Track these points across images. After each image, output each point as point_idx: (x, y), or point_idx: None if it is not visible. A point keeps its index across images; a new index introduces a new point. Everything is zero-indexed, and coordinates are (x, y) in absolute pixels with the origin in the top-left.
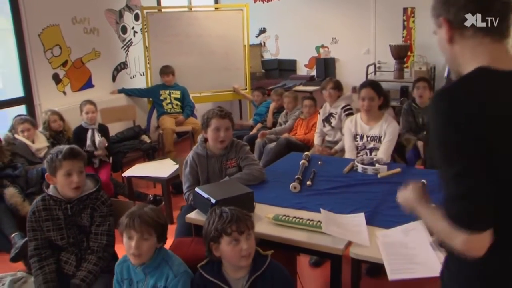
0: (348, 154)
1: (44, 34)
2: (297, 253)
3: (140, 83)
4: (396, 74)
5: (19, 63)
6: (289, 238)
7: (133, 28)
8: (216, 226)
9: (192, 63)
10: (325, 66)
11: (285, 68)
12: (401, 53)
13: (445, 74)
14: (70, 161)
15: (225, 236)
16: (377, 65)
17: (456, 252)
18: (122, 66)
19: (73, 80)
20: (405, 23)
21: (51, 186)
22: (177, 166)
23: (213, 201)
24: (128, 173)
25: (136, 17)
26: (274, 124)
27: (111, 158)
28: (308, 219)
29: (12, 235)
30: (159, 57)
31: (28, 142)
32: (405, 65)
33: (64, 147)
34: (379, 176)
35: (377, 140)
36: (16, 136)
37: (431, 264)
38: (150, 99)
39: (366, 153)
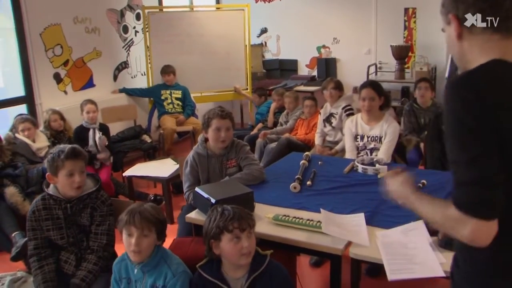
0: (348, 154)
1: (45, 34)
2: (297, 253)
3: (141, 82)
4: (397, 74)
5: (20, 62)
6: (289, 238)
7: (134, 27)
8: (217, 223)
9: (193, 63)
10: (326, 66)
11: (286, 68)
12: (402, 53)
13: (446, 75)
14: (72, 161)
15: (226, 233)
16: (378, 65)
17: (462, 245)
18: (123, 65)
19: (74, 79)
20: (406, 23)
21: (51, 185)
22: (178, 166)
23: (213, 201)
24: (128, 172)
25: (138, 17)
26: (275, 124)
27: (111, 158)
28: (308, 219)
29: (13, 234)
30: (160, 56)
31: (28, 141)
32: (406, 66)
33: (66, 147)
34: (379, 176)
35: (378, 140)
36: (16, 135)
37: (431, 264)
38: (151, 98)
39: (367, 153)
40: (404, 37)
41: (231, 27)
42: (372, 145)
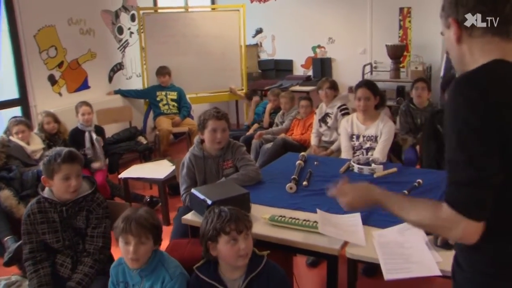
0: (344, 154)
1: (39, 35)
2: (294, 253)
3: (137, 84)
4: (392, 74)
5: (14, 64)
6: (285, 238)
7: (129, 28)
8: (214, 225)
9: (188, 63)
10: (322, 66)
11: (282, 68)
12: (397, 53)
13: (441, 74)
14: (69, 165)
15: (223, 235)
16: (373, 65)
17: (463, 245)
18: (118, 67)
19: (69, 81)
20: (401, 23)
21: (46, 188)
22: (174, 167)
23: (209, 202)
24: (124, 174)
25: (133, 18)
26: (271, 125)
27: (107, 160)
28: (304, 220)
29: (6, 239)
30: (156, 57)
31: (23, 144)
32: (401, 65)
33: (62, 150)
34: (375, 176)
35: (373, 140)
36: (11, 138)
37: (427, 263)
38: (147, 100)
39: (363, 153)
40: (399, 37)
41: (226, 28)
42: (367, 145)
